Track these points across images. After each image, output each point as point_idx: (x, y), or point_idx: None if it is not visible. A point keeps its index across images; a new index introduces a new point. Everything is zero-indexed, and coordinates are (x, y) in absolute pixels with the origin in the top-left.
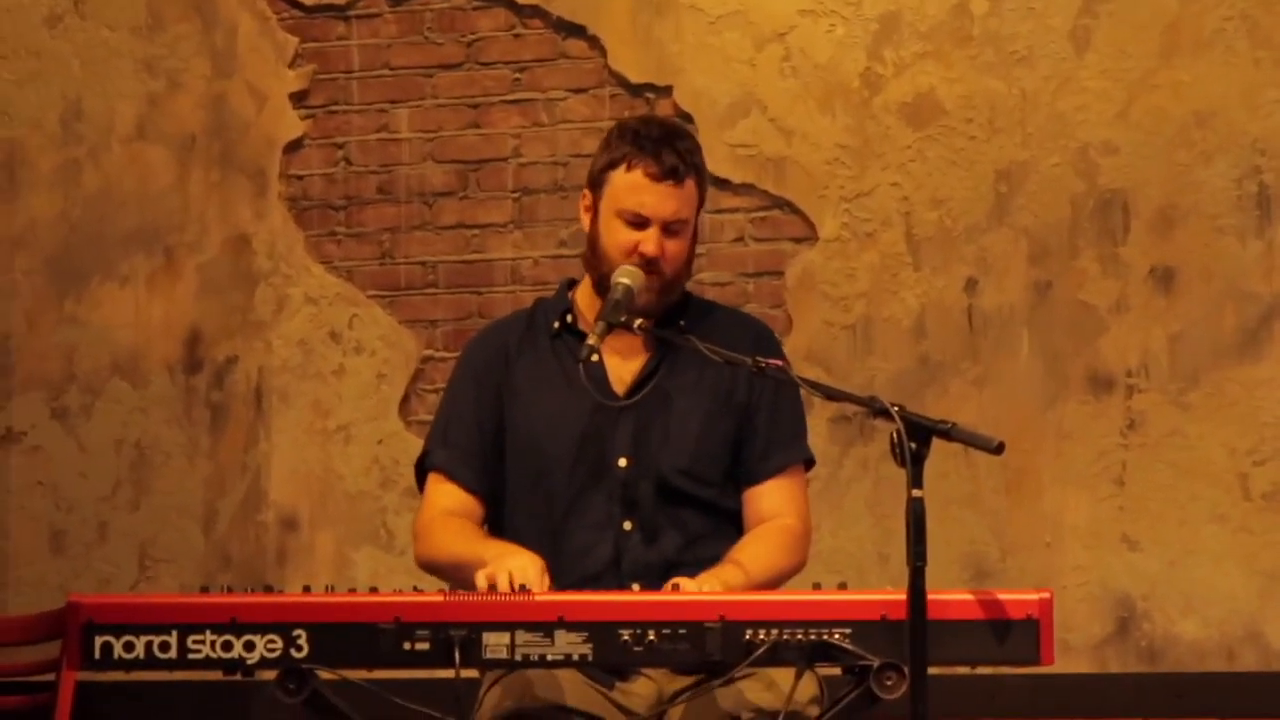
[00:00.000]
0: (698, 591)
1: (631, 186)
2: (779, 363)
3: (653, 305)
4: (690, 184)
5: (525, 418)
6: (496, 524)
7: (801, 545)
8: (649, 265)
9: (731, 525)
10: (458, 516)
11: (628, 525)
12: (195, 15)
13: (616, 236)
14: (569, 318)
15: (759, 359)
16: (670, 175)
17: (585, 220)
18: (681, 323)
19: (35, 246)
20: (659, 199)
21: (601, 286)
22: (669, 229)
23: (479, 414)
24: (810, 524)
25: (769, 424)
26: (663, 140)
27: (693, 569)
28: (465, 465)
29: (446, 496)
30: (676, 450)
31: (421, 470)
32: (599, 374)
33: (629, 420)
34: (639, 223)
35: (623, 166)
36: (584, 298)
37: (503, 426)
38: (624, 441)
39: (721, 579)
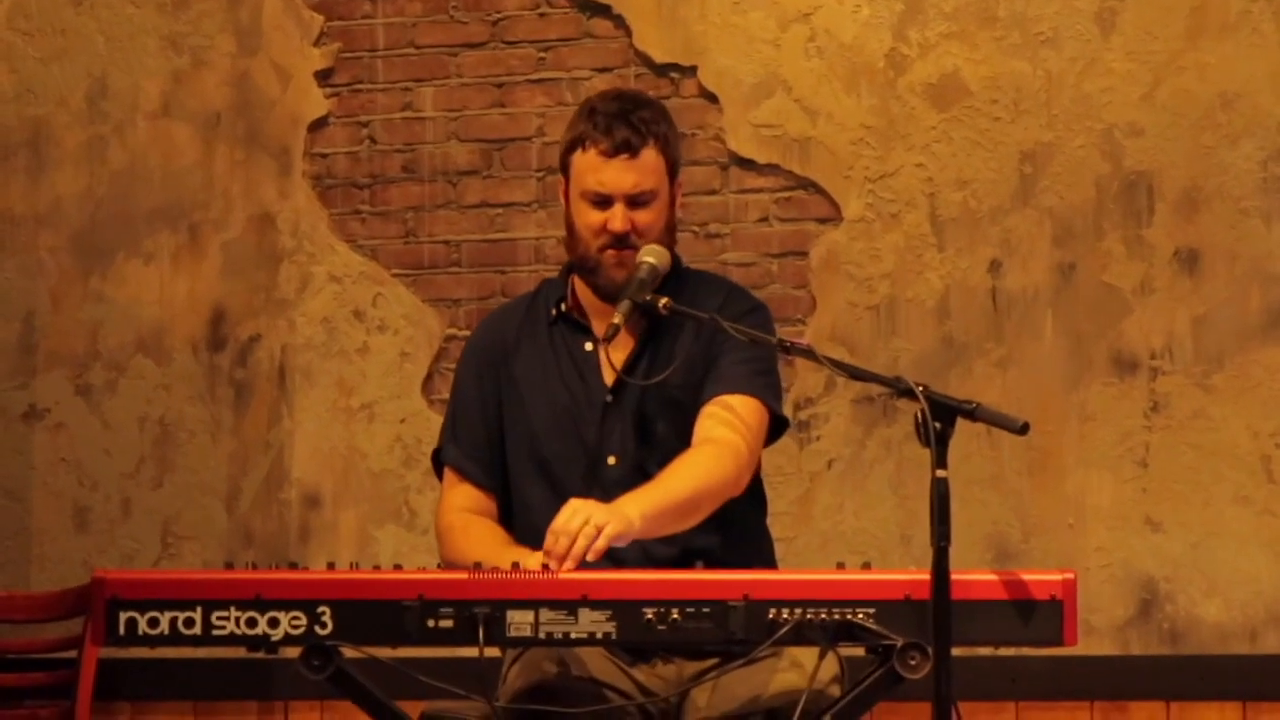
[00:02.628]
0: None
1: (589, 166)
2: (805, 343)
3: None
4: (649, 153)
5: (522, 411)
6: (507, 512)
7: (726, 456)
8: (621, 241)
9: (725, 514)
10: (478, 518)
11: None
12: None
13: (586, 218)
14: (563, 305)
15: (792, 341)
16: (623, 149)
17: (564, 205)
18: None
19: (60, 224)
20: (616, 175)
21: (582, 270)
22: (634, 201)
23: (483, 408)
24: (750, 443)
25: (721, 364)
26: (616, 115)
27: (686, 562)
28: (475, 462)
29: (461, 496)
30: (662, 445)
31: (438, 462)
32: (592, 365)
33: (615, 416)
34: (602, 201)
35: (579, 148)
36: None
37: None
38: (612, 439)
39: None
